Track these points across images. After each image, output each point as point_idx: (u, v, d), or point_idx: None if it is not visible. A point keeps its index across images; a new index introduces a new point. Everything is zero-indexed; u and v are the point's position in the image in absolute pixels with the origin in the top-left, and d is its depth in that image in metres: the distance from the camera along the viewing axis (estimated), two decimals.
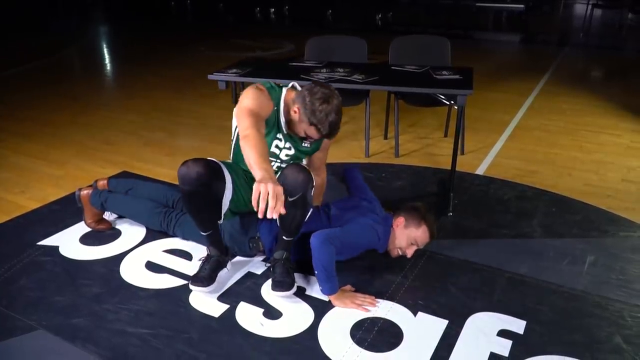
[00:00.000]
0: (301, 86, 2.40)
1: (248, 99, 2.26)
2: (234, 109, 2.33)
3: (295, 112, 2.32)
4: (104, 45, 9.33)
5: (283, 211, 1.90)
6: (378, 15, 10.47)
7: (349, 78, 3.17)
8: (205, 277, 2.40)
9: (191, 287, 2.39)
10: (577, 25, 10.28)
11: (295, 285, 2.39)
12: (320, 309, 2.32)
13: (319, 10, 10.93)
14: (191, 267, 2.57)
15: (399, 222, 2.57)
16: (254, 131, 2.13)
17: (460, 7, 10.63)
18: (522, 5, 10.01)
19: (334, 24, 10.40)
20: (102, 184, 3.01)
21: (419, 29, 9.05)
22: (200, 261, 2.49)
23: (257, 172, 1.97)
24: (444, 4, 11.01)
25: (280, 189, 1.91)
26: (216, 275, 2.45)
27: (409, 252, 2.57)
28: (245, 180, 2.47)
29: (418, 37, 4.29)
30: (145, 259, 2.68)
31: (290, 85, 2.44)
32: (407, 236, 2.55)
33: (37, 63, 7.22)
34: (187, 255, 2.70)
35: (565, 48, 8.30)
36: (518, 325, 2.22)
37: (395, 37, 4.13)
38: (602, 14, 10.44)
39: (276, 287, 2.36)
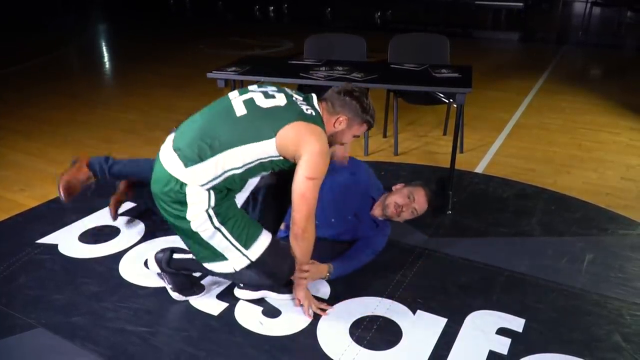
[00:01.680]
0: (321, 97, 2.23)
1: (323, 163, 2.03)
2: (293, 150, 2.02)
3: (340, 122, 2.16)
4: (103, 43, 9.31)
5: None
6: (377, 14, 10.46)
7: (348, 76, 3.17)
8: (193, 282, 2.40)
9: (185, 298, 2.37)
10: (576, 23, 10.28)
11: None
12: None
13: (318, 9, 10.92)
14: None
15: (398, 185, 2.75)
16: (313, 228, 2.12)
17: (459, 5, 10.63)
18: (521, 4, 10.01)
19: (332, 22, 10.39)
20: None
21: (418, 27, 9.04)
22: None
23: (305, 270, 2.22)
24: (443, 2, 11.01)
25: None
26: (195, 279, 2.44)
27: (405, 208, 2.63)
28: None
29: (417, 35, 4.29)
30: (144, 257, 2.67)
31: (314, 98, 2.21)
32: (405, 194, 2.65)
33: (36, 61, 7.21)
34: (186, 253, 2.69)
35: (564, 46, 8.29)
36: (517, 324, 2.22)
37: (394, 35, 4.13)
38: (601, 12, 10.45)
39: (290, 289, 2.36)
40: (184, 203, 2.00)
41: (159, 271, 2.32)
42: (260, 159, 2.03)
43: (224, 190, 2.04)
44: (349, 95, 2.17)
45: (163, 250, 2.32)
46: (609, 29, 9.68)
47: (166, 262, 2.29)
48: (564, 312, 2.29)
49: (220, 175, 1.99)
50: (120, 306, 2.32)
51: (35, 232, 2.90)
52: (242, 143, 1.99)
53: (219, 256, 2.10)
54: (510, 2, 10.29)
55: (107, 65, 7.49)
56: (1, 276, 2.53)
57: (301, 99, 2.16)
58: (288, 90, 2.19)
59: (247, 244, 2.08)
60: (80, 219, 3.03)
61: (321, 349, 2.10)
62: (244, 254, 2.08)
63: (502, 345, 2.11)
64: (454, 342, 2.13)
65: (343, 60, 3.62)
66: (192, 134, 2.03)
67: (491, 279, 2.52)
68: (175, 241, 2.78)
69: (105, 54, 8.32)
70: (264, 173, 2.15)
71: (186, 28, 10.23)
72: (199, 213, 2.01)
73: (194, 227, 2.03)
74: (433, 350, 2.09)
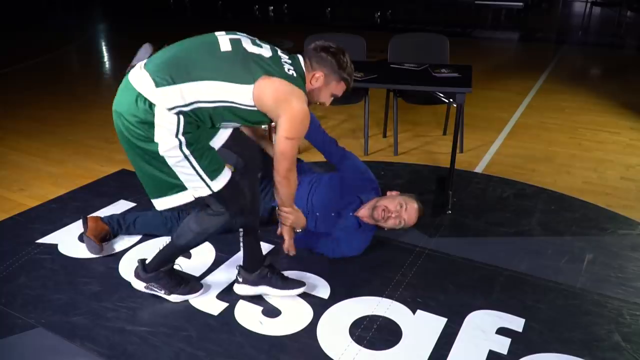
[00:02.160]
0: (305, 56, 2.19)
1: (302, 125, 2.06)
2: (273, 99, 1.99)
3: (317, 79, 2.12)
4: (103, 43, 9.31)
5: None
6: (377, 13, 10.47)
7: None
8: (182, 278, 2.40)
9: (185, 297, 2.37)
10: (575, 23, 10.29)
11: None
12: (319, 307, 2.32)
13: (318, 8, 10.93)
14: (190, 265, 2.57)
15: (394, 192, 2.76)
16: (295, 177, 2.22)
17: (459, 4, 10.64)
18: (521, 3, 10.02)
19: (332, 22, 10.40)
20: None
21: (417, 27, 9.05)
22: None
23: (287, 213, 2.36)
24: (442, 1, 11.03)
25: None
26: (188, 276, 2.49)
27: (394, 215, 2.64)
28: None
29: (417, 35, 4.30)
30: (144, 257, 2.67)
31: (301, 60, 2.15)
32: (398, 201, 2.66)
33: (36, 60, 7.21)
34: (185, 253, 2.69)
35: (564, 46, 8.30)
36: (517, 323, 2.22)
37: (394, 35, 4.13)
38: (601, 12, 10.46)
39: (290, 285, 2.39)
40: (151, 124, 1.92)
41: (145, 284, 2.32)
42: (233, 102, 1.97)
43: (193, 121, 1.97)
44: (324, 51, 2.13)
45: (135, 267, 2.35)
46: (609, 29, 9.68)
47: (142, 269, 2.31)
48: (564, 312, 2.29)
49: (189, 104, 1.92)
50: (119, 306, 2.32)
51: (35, 232, 2.90)
52: (219, 79, 1.94)
53: (177, 187, 2.05)
54: (510, 2, 10.30)
55: (107, 64, 7.49)
56: (1, 276, 2.53)
57: (286, 57, 2.11)
58: (275, 47, 2.14)
59: (212, 175, 2.04)
60: (80, 218, 3.03)
61: (321, 348, 2.10)
62: (207, 184, 2.05)
63: (502, 345, 2.11)
64: (453, 341, 2.13)
65: None
66: (170, 57, 1.97)
67: (491, 279, 2.52)
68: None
69: (105, 54, 8.31)
70: (234, 124, 2.12)
71: (186, 28, 10.21)
72: (168, 137, 1.94)
73: (162, 150, 1.95)
74: (433, 349, 2.09)
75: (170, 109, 1.91)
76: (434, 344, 2.12)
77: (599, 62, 7.39)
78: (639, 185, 3.47)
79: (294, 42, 7.87)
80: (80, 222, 2.96)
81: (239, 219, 2.26)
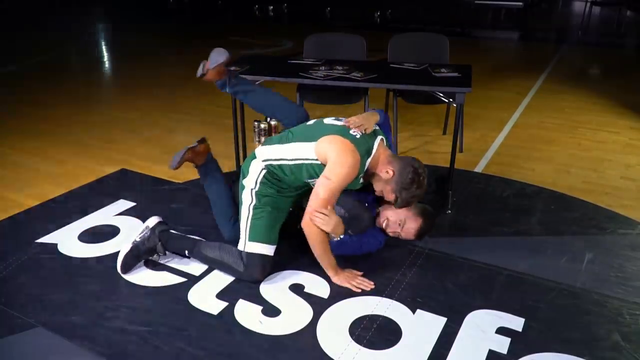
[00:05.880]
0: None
1: (343, 178, 2.27)
2: (326, 151, 2.32)
3: (388, 172, 2.36)
4: (103, 42, 9.30)
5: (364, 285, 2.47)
6: (377, 13, 10.47)
7: (347, 76, 3.17)
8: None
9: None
10: (575, 22, 10.29)
11: None
12: (319, 306, 2.32)
13: (318, 8, 10.93)
14: (190, 265, 2.57)
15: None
16: (315, 233, 2.35)
17: (459, 4, 10.63)
18: (520, 3, 10.01)
19: (332, 22, 10.40)
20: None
21: (417, 27, 9.05)
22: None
23: (331, 274, 2.47)
24: (442, 1, 11.03)
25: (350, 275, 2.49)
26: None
27: (391, 227, 2.65)
28: (287, 206, 2.55)
29: (416, 35, 4.28)
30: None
31: (379, 139, 2.44)
32: (400, 216, 2.65)
33: (36, 60, 7.21)
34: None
35: (563, 45, 8.30)
36: (517, 323, 2.22)
37: (394, 35, 4.12)
38: (601, 12, 10.46)
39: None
40: (246, 172, 2.50)
41: (146, 230, 2.55)
42: (305, 159, 2.38)
43: (272, 178, 2.44)
44: (413, 170, 2.34)
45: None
46: (609, 29, 9.69)
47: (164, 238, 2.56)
48: (564, 311, 2.30)
49: (277, 159, 2.42)
50: (119, 305, 2.32)
51: (35, 231, 2.90)
52: (298, 141, 2.42)
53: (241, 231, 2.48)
54: (510, 1, 10.29)
55: (107, 64, 7.49)
56: (1, 276, 2.53)
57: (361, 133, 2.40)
58: None
59: (251, 237, 2.41)
60: (80, 218, 3.03)
61: (321, 348, 2.10)
62: (244, 241, 2.43)
63: (502, 344, 2.11)
64: (453, 341, 2.13)
65: (343, 59, 3.62)
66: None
67: (491, 278, 2.52)
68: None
69: (105, 53, 8.31)
70: (310, 181, 2.42)
71: (186, 27, 10.23)
72: (248, 189, 2.47)
73: (242, 196, 2.49)
74: (433, 349, 2.09)
75: (263, 160, 2.48)
76: (433, 343, 2.12)
77: (599, 62, 7.39)
78: (639, 185, 3.47)
79: (294, 41, 7.88)
80: (80, 222, 2.98)
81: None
